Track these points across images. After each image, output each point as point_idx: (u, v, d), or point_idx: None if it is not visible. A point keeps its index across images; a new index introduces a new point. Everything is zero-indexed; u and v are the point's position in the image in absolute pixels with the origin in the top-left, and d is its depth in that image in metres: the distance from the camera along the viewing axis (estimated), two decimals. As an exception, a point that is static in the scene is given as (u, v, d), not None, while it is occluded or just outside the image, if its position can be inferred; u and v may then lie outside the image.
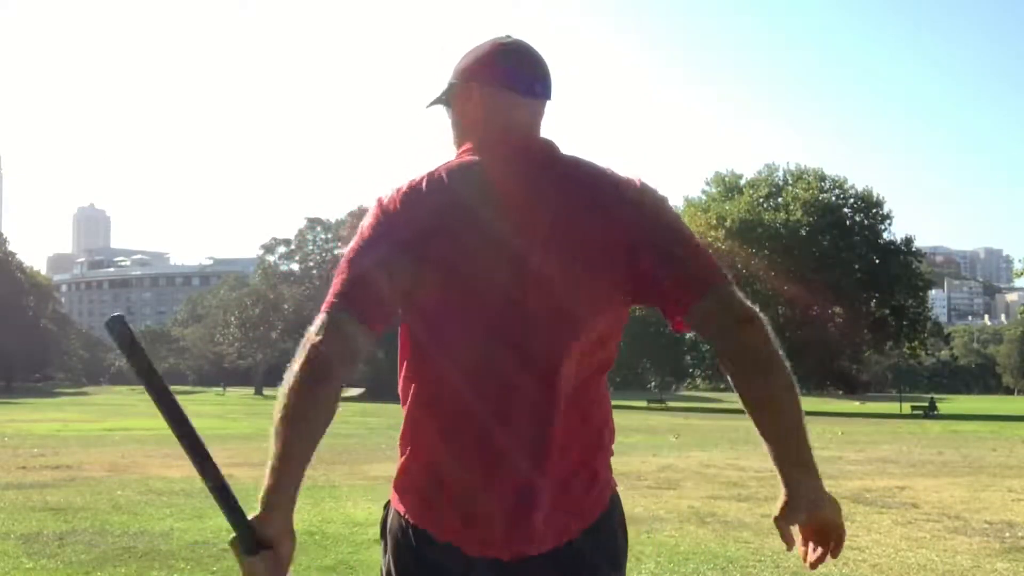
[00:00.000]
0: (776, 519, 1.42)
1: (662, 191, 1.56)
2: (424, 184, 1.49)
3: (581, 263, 1.46)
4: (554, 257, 1.45)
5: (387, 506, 1.58)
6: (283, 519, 1.34)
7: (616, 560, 1.54)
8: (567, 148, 1.57)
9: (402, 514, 1.52)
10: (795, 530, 1.44)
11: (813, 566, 1.48)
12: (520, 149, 1.54)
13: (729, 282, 1.50)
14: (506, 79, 1.56)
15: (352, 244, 1.50)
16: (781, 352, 1.44)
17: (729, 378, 1.46)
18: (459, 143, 1.61)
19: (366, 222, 1.50)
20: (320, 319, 1.42)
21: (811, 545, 1.49)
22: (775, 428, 1.43)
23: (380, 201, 1.50)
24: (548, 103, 1.61)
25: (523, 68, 1.58)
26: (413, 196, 1.48)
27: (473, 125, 1.58)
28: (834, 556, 1.49)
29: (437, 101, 1.65)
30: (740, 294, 1.50)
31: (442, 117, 1.67)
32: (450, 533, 1.46)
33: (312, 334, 1.40)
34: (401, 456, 1.55)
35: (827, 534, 1.47)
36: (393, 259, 1.44)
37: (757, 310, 1.48)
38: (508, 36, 1.61)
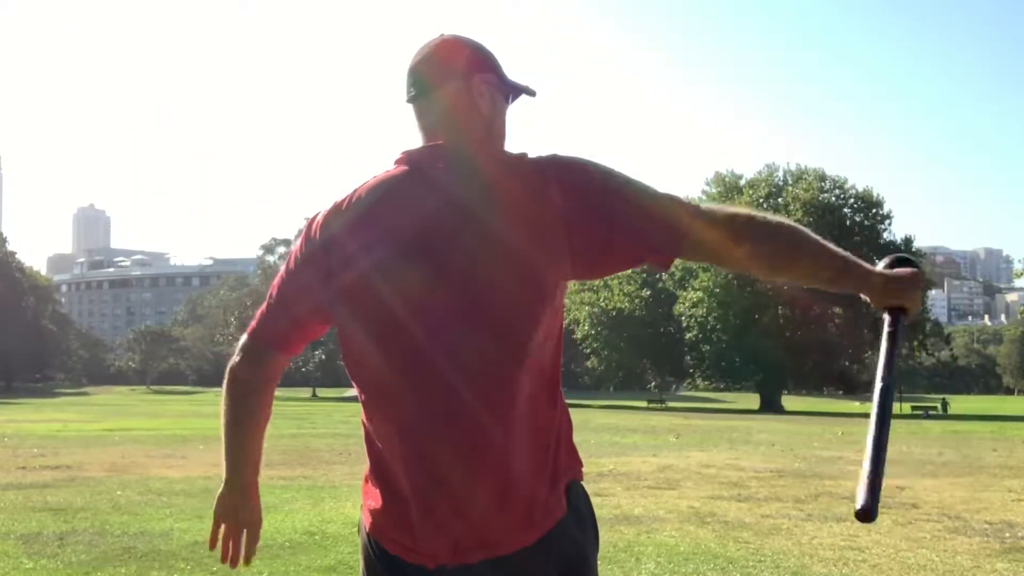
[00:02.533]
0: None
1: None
2: (341, 207, 1.53)
3: (512, 260, 1.42)
4: (476, 261, 1.43)
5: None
6: (240, 496, 1.66)
7: (592, 540, 1.54)
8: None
9: (366, 527, 1.53)
10: None
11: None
12: (411, 159, 1.53)
13: (698, 212, 1.47)
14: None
15: (281, 270, 1.62)
16: (773, 217, 1.51)
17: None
18: None
19: (294, 247, 1.59)
20: (242, 342, 1.64)
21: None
22: (817, 260, 1.51)
23: (306, 226, 1.57)
24: (421, 103, 1.57)
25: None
26: (331, 220, 1.53)
27: None
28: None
29: None
30: (710, 210, 1.49)
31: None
32: (403, 548, 1.47)
33: (234, 358, 1.64)
34: (368, 468, 1.55)
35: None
36: (315, 287, 1.53)
37: (733, 212, 1.49)
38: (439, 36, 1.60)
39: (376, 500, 1.51)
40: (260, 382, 1.64)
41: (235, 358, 1.64)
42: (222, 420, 1.64)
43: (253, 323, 1.63)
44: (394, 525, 1.48)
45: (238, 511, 1.66)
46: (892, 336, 1.53)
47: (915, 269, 1.57)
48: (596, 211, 1.44)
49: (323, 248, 1.52)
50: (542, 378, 1.47)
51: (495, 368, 1.43)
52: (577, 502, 1.52)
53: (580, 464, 1.57)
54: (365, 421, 1.54)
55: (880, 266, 1.59)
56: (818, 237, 1.52)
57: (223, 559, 1.66)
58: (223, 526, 1.67)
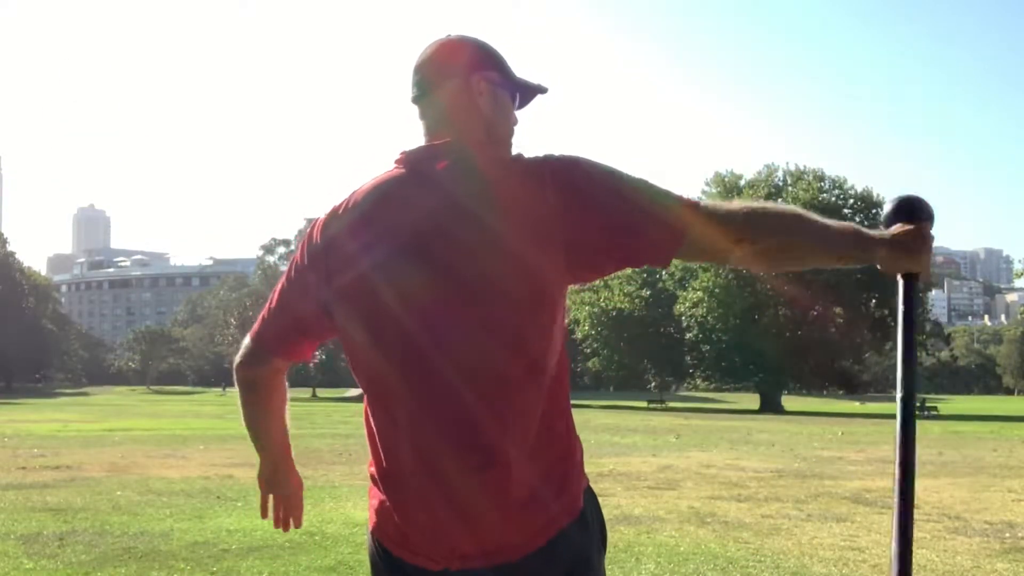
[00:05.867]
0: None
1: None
2: (339, 210, 1.54)
3: (498, 262, 1.41)
4: (466, 268, 1.42)
5: None
6: (273, 470, 1.80)
7: (597, 545, 1.53)
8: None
9: (370, 527, 1.54)
10: None
11: None
12: (409, 159, 1.52)
13: (696, 209, 1.43)
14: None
15: (283, 276, 1.64)
16: (773, 208, 1.48)
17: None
18: None
19: (295, 252, 1.62)
20: (245, 343, 1.68)
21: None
22: (816, 250, 1.50)
23: (307, 231, 1.60)
24: (423, 103, 1.56)
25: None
26: (331, 223, 1.54)
27: None
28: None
29: None
30: (708, 209, 1.44)
31: None
32: (406, 549, 1.47)
33: (238, 357, 1.68)
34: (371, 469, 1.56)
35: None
36: (315, 289, 1.55)
37: (730, 210, 1.44)
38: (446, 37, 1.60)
39: (379, 499, 1.52)
40: (263, 380, 1.70)
41: (238, 357, 1.69)
42: (240, 412, 1.73)
43: (256, 325, 1.66)
44: (396, 526, 1.48)
45: (273, 484, 1.81)
46: (907, 315, 1.52)
47: (916, 224, 1.49)
48: (591, 210, 1.41)
49: (323, 250, 1.53)
50: (545, 384, 1.45)
51: (495, 369, 1.41)
52: (585, 507, 1.50)
53: (586, 480, 1.55)
54: (370, 419, 1.53)
55: (885, 212, 1.55)
56: (819, 219, 1.48)
57: (275, 525, 1.84)
58: (269, 496, 1.82)
